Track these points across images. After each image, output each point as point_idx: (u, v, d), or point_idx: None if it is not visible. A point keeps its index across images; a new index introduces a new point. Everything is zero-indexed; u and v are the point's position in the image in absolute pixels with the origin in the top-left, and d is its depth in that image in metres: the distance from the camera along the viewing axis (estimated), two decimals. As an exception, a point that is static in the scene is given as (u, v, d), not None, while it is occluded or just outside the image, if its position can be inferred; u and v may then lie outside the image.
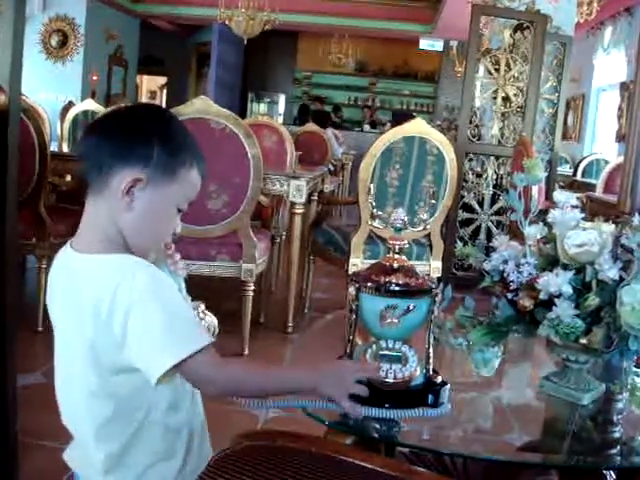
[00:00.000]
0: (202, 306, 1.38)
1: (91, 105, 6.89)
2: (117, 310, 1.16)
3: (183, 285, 1.37)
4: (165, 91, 16.99)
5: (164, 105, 15.82)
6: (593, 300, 1.29)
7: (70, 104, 8.07)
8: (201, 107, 3.36)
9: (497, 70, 5.35)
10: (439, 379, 1.33)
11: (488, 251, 1.50)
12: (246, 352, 3.52)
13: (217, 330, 1.32)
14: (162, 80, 17.06)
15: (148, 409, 1.26)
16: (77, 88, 11.32)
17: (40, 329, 3.51)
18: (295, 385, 1.24)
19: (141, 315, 1.16)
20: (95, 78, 11.86)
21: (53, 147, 4.61)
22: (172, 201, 1.28)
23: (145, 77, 17.15)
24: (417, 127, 3.80)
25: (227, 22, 10.21)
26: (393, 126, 4.13)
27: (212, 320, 1.39)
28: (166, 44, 15.00)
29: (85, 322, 1.19)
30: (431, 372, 1.33)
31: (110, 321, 1.16)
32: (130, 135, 1.24)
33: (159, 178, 1.24)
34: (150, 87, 17.79)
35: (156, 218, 1.27)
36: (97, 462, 1.25)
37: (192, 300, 1.36)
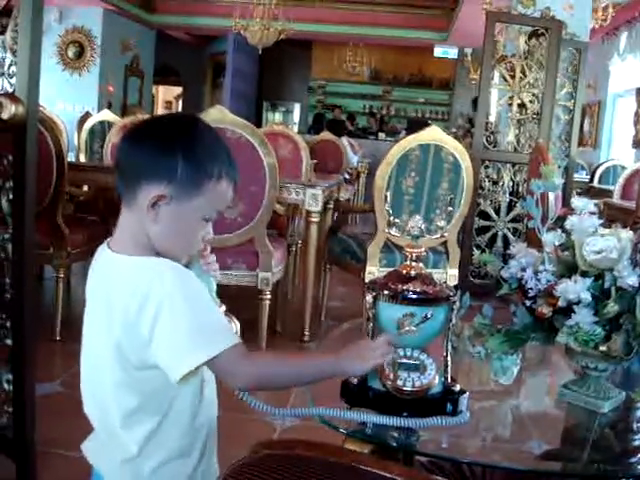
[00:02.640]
0: (223, 307, 1.38)
1: (108, 115, 6.94)
2: (145, 311, 1.18)
3: (214, 286, 1.38)
4: (181, 101, 17.08)
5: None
6: (612, 307, 1.28)
7: (87, 114, 8.14)
8: (217, 116, 3.37)
9: (512, 77, 5.34)
10: (457, 387, 1.32)
11: (505, 258, 1.49)
12: (263, 361, 3.51)
13: (239, 334, 1.32)
14: (178, 90, 17.15)
15: (171, 404, 1.27)
16: (94, 99, 11.42)
17: (58, 338, 3.52)
18: (328, 369, 1.26)
19: (169, 316, 1.18)
20: (111, 89, 11.96)
21: (70, 157, 4.65)
22: (198, 213, 1.27)
23: (161, 87, 17.26)
24: (432, 135, 3.79)
25: (242, 32, 10.28)
26: (408, 134, 4.12)
27: (235, 323, 1.40)
28: (182, 54, 15.09)
29: (113, 320, 1.22)
30: (449, 380, 1.32)
31: (138, 321, 1.19)
32: (154, 150, 1.25)
33: (184, 193, 1.24)
34: (166, 97, 17.89)
35: (182, 230, 1.28)
36: (122, 450, 1.27)
37: (222, 303, 1.37)
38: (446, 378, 1.32)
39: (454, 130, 11.87)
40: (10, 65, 2.00)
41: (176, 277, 1.22)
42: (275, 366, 1.27)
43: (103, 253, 1.30)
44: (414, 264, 1.33)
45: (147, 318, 1.18)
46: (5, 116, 1.92)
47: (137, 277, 1.23)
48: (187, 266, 1.30)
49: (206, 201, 1.27)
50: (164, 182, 1.23)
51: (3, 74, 2.02)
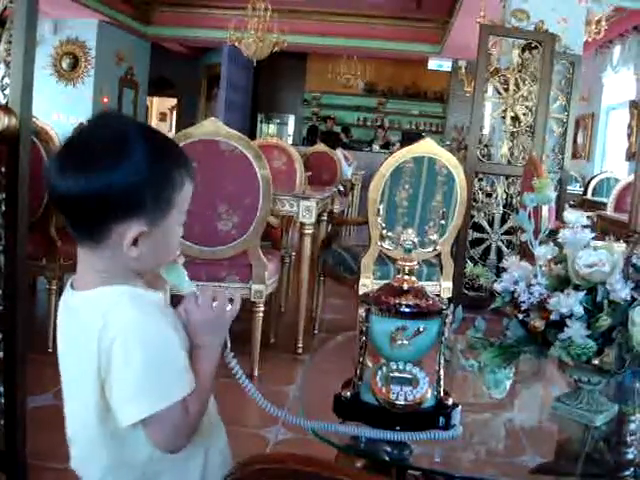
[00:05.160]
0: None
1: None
2: (103, 346, 1.11)
3: (184, 272, 1.26)
4: (175, 112, 17.10)
5: (174, 128, 15.96)
6: (605, 320, 1.28)
7: (81, 126, 8.13)
8: (211, 129, 3.38)
9: (506, 90, 5.36)
10: (450, 401, 1.32)
11: (499, 271, 1.49)
12: (256, 373, 3.50)
13: (229, 345, 1.28)
14: (172, 102, 17.18)
15: (152, 449, 1.18)
16: (88, 110, 11.42)
17: (50, 350, 3.50)
18: (213, 365, 1.22)
19: (121, 354, 1.11)
20: (106, 100, 11.97)
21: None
22: (175, 225, 1.20)
23: (155, 99, 17.28)
24: (426, 147, 3.80)
25: (237, 44, 10.32)
26: (402, 146, 4.13)
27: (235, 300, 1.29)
28: (176, 66, 15.13)
29: (84, 360, 1.14)
30: (442, 394, 1.32)
31: (99, 357, 1.12)
32: (112, 184, 1.10)
33: (158, 218, 1.16)
34: (160, 109, 17.92)
35: (165, 246, 1.21)
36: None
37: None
38: (439, 392, 1.31)
39: (448, 143, 11.91)
40: (3, 77, 2.00)
41: (136, 312, 1.14)
42: (201, 404, 1.19)
43: (67, 294, 1.22)
44: (407, 277, 1.32)
45: (104, 353, 1.11)
46: (-2, 128, 1.91)
47: (97, 311, 1.14)
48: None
49: (178, 210, 1.19)
50: (134, 218, 1.13)
51: (-4, 86, 2.02)
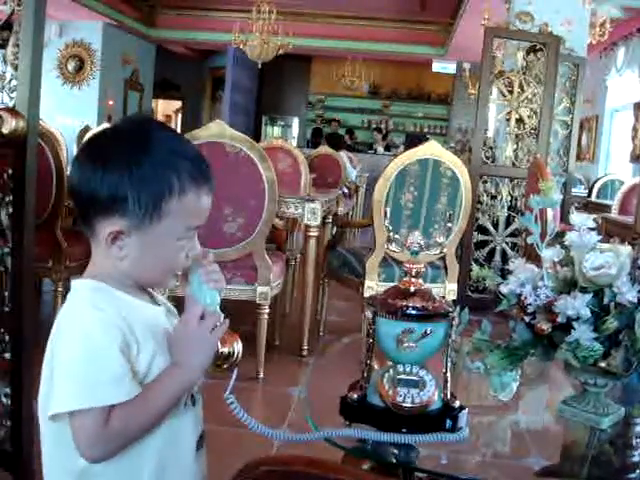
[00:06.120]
0: (227, 321, 1.22)
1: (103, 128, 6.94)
2: (55, 333, 1.12)
3: (217, 299, 1.21)
4: (180, 115, 17.12)
5: (179, 130, 15.97)
6: (611, 323, 1.28)
7: (87, 128, 8.15)
8: (216, 131, 3.38)
9: (510, 92, 5.35)
10: (457, 404, 1.32)
11: (504, 273, 1.49)
12: (261, 375, 3.50)
13: (239, 357, 1.25)
14: (177, 104, 17.20)
15: (88, 466, 1.10)
16: (93, 112, 11.45)
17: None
18: (176, 387, 1.13)
19: (62, 344, 1.10)
20: (111, 102, 12.00)
21: (69, 171, 4.64)
22: (169, 236, 1.14)
23: (160, 101, 17.29)
24: (431, 149, 3.80)
25: (242, 47, 10.33)
26: (407, 148, 4.13)
27: (238, 346, 1.24)
28: (181, 68, 15.15)
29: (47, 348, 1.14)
30: (449, 396, 1.32)
31: (52, 347, 1.12)
32: (95, 178, 1.11)
33: (143, 221, 1.11)
34: (165, 111, 17.93)
35: (156, 257, 1.16)
36: None
37: (225, 317, 1.21)
38: (445, 394, 1.31)
39: (452, 145, 11.91)
40: (11, 79, 2.01)
41: (87, 306, 1.11)
42: (130, 423, 1.09)
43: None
44: (413, 280, 1.33)
45: (52, 342, 1.12)
46: (5, 130, 1.92)
47: (67, 300, 1.15)
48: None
49: (175, 221, 1.13)
50: (115, 215, 1.11)
51: (3, 88, 2.03)
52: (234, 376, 1.21)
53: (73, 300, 1.15)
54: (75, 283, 1.17)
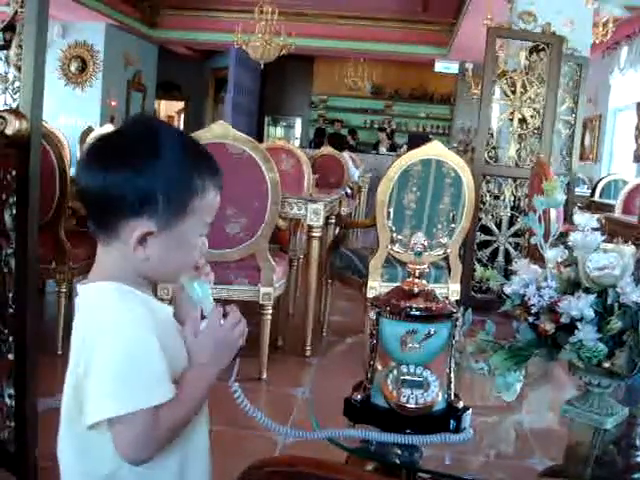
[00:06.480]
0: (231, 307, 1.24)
1: (110, 130, 6.94)
2: (87, 344, 1.10)
3: (209, 291, 1.23)
4: (183, 115, 17.14)
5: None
6: (615, 324, 1.28)
7: (89, 129, 8.16)
8: (220, 132, 3.39)
9: (513, 92, 5.35)
10: (461, 404, 1.32)
11: (507, 273, 1.49)
12: (264, 376, 3.50)
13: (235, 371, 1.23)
14: (180, 105, 17.22)
15: (116, 465, 1.12)
16: (96, 113, 11.48)
17: (60, 353, 3.52)
18: (205, 386, 1.17)
19: (100, 349, 1.08)
20: (114, 103, 12.02)
21: (72, 172, 4.64)
22: (192, 233, 1.17)
23: (163, 102, 17.32)
24: (434, 149, 3.80)
25: (244, 47, 10.35)
26: (409, 149, 4.13)
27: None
28: (184, 69, 15.17)
29: (72, 356, 1.13)
30: (453, 397, 1.32)
31: (79, 354, 1.11)
32: (124, 179, 1.10)
33: (171, 220, 1.13)
34: (168, 112, 17.95)
35: (178, 254, 1.17)
36: None
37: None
38: (449, 395, 1.31)
39: (455, 145, 11.90)
40: (14, 80, 2.01)
41: (120, 309, 1.12)
42: (176, 420, 1.12)
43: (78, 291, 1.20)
44: (417, 281, 1.33)
45: (86, 347, 1.10)
46: (9, 132, 1.92)
47: (86, 305, 1.14)
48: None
49: (197, 219, 1.16)
50: (145, 216, 1.11)
51: (7, 89, 2.03)
52: (237, 364, 1.22)
53: (101, 304, 1.13)
54: (92, 287, 1.16)
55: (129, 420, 1.06)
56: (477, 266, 4.98)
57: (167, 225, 1.13)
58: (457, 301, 3.79)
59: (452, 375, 1.32)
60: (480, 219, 5.30)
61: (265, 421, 1.26)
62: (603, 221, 4.76)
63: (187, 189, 1.14)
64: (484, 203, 5.33)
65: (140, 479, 1.14)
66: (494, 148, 5.39)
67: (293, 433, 1.30)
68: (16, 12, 1.98)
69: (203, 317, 1.20)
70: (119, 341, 1.08)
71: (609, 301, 1.30)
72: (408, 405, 1.26)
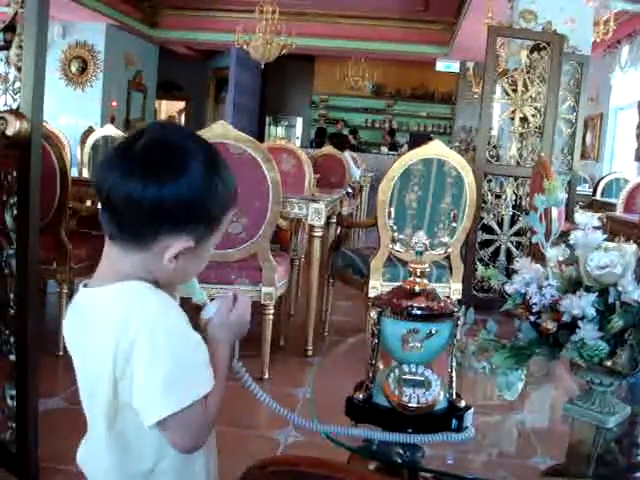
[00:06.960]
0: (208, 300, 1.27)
1: (111, 130, 6.95)
2: (122, 346, 1.08)
3: (197, 285, 1.26)
4: (183, 115, 17.15)
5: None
6: (617, 322, 1.27)
7: (90, 129, 8.15)
8: (221, 132, 3.38)
9: (514, 91, 5.34)
10: (462, 403, 1.32)
11: (508, 272, 1.49)
12: (266, 376, 3.51)
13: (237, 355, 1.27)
14: (181, 105, 17.23)
15: (157, 459, 1.17)
16: (97, 113, 11.48)
17: (61, 353, 3.52)
18: (227, 361, 1.21)
19: (147, 351, 1.08)
20: (115, 104, 12.02)
21: (73, 172, 4.65)
22: (213, 244, 1.20)
23: (164, 102, 17.33)
24: (435, 149, 3.80)
25: (245, 47, 10.35)
26: (411, 148, 4.13)
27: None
28: (184, 69, 15.16)
29: (102, 356, 1.11)
30: (454, 396, 1.32)
31: (116, 356, 1.09)
32: (180, 197, 1.09)
33: (207, 235, 1.16)
34: (169, 112, 17.96)
35: (198, 263, 1.20)
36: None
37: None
38: (451, 394, 1.31)
39: (456, 144, 11.89)
40: (14, 81, 2.01)
41: (160, 305, 1.12)
42: (219, 402, 1.16)
43: (79, 294, 1.19)
44: (418, 280, 1.32)
45: (125, 347, 1.08)
46: (10, 132, 1.92)
47: (116, 304, 1.12)
48: None
49: (222, 230, 1.20)
50: (186, 231, 1.12)
51: (7, 90, 2.04)
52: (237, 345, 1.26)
53: (141, 304, 1.12)
54: (117, 288, 1.13)
55: (184, 414, 1.09)
56: (478, 265, 4.96)
57: (203, 239, 1.16)
58: (459, 300, 3.79)
59: (454, 374, 1.32)
60: (482, 218, 5.29)
61: (271, 403, 1.27)
62: (604, 220, 4.77)
63: (225, 205, 1.18)
64: (485, 202, 5.32)
65: (179, 471, 1.18)
66: (495, 147, 5.39)
67: (297, 420, 1.30)
68: (16, 12, 1.98)
69: (200, 307, 1.23)
70: (170, 337, 1.10)
71: (610, 300, 1.30)
72: (410, 404, 1.26)
